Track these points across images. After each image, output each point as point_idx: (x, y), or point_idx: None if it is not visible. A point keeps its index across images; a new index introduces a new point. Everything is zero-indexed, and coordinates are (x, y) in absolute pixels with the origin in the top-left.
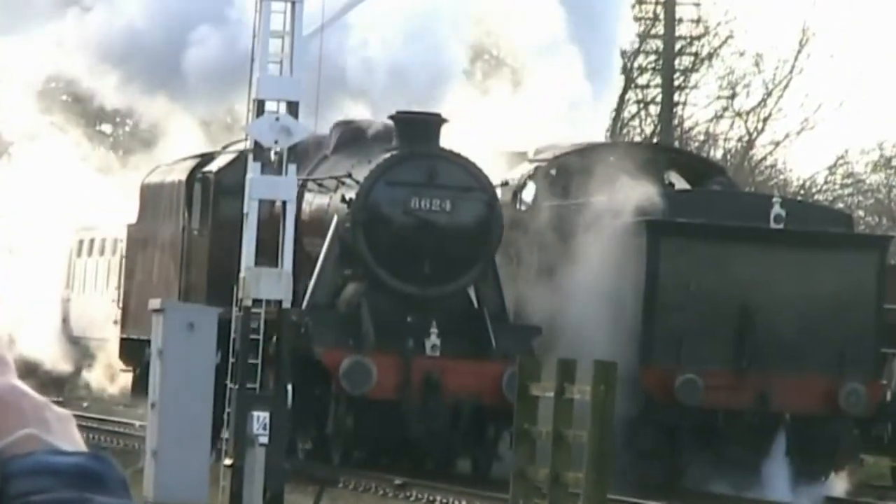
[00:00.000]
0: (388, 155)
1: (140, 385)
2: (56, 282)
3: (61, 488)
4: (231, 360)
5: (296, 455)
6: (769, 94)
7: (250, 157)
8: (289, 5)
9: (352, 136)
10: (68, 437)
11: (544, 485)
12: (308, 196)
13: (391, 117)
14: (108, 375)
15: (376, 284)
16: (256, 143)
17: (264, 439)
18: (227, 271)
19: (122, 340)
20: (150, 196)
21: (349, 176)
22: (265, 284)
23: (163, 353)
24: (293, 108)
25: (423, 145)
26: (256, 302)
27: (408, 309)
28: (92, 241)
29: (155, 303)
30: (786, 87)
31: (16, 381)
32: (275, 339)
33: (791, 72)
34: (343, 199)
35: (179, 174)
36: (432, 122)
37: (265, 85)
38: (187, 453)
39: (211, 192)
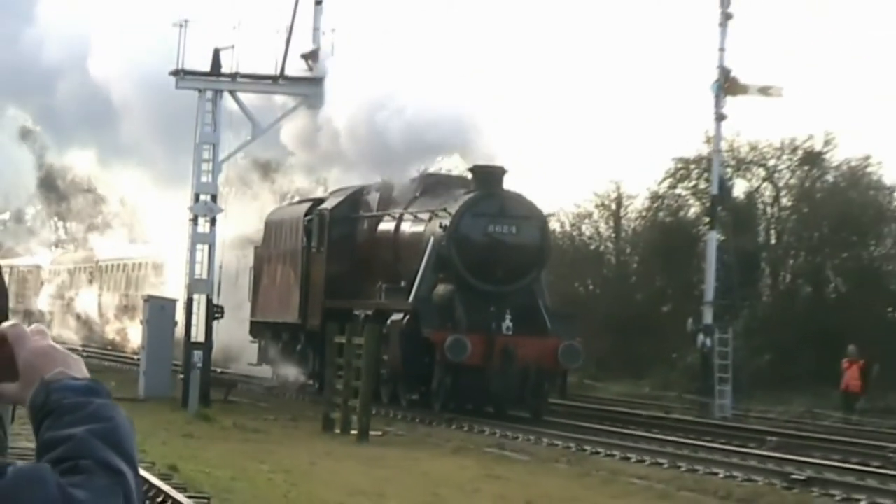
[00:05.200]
0: (471, 195)
1: (262, 352)
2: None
3: (75, 396)
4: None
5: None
6: None
7: (191, 223)
8: (212, 146)
9: (434, 183)
10: (80, 370)
11: (342, 388)
12: (405, 224)
13: (470, 169)
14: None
15: (464, 285)
16: (195, 216)
17: (199, 365)
18: (337, 273)
19: (252, 323)
20: (273, 227)
21: (444, 209)
22: (201, 286)
23: (147, 321)
24: (214, 198)
25: (493, 187)
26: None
27: (486, 301)
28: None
29: (144, 295)
30: None
31: (51, 342)
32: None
33: None
34: (440, 226)
35: (297, 212)
36: (499, 172)
37: (199, 186)
38: (160, 372)
39: (326, 222)
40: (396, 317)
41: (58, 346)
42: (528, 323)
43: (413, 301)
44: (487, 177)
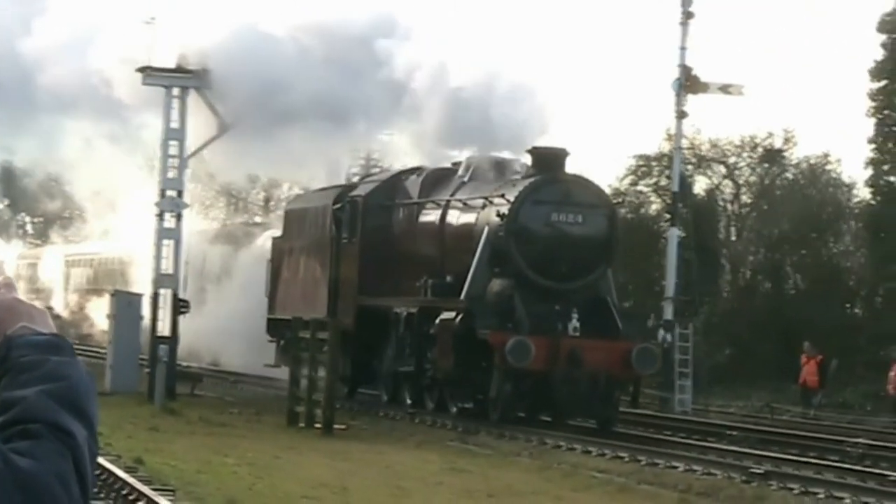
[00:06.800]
0: (532, 179)
1: (282, 351)
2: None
3: (35, 353)
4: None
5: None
6: None
7: (157, 218)
8: (178, 142)
9: (483, 166)
10: (45, 323)
11: (306, 380)
12: (452, 213)
13: (529, 151)
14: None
15: (524, 280)
16: (161, 211)
17: (165, 359)
18: (372, 267)
19: (269, 320)
20: (294, 217)
21: (501, 195)
22: (167, 281)
23: (115, 316)
24: (180, 193)
25: (555, 172)
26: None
27: (549, 299)
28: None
29: (110, 290)
30: None
31: (17, 295)
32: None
33: None
34: (498, 214)
35: (325, 200)
36: (561, 154)
37: (166, 182)
38: (126, 366)
39: (360, 210)
40: (447, 316)
41: (23, 300)
42: (596, 323)
43: (466, 298)
44: (549, 159)
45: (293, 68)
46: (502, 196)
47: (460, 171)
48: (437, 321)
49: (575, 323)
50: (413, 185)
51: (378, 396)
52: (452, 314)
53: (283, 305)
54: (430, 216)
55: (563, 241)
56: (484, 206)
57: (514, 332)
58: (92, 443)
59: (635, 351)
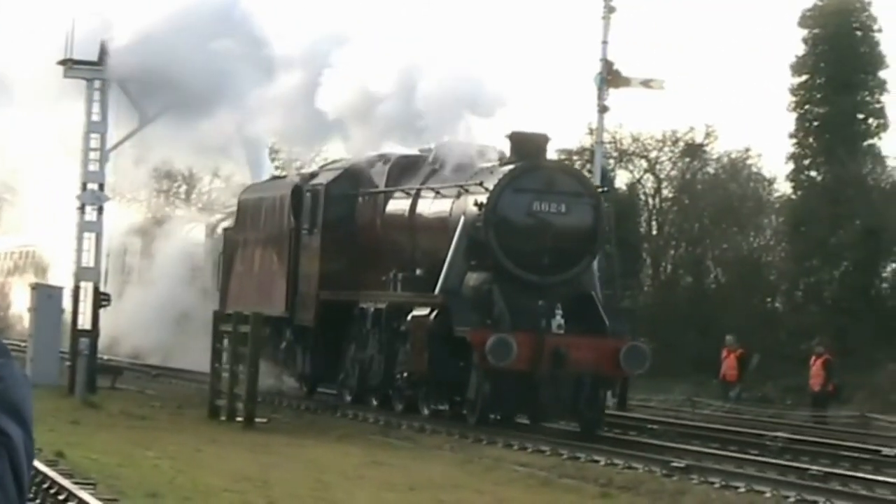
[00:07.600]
0: (512, 166)
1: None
2: None
3: None
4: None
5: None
6: None
7: (79, 211)
8: (100, 135)
9: (456, 153)
10: None
11: (227, 373)
12: (423, 202)
13: (507, 136)
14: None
15: (503, 273)
16: (83, 204)
17: (86, 352)
18: (335, 260)
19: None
20: (249, 207)
21: (479, 184)
22: (88, 274)
23: (36, 309)
24: (101, 186)
25: (536, 158)
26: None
27: (530, 294)
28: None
29: (32, 283)
30: None
31: None
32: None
33: None
34: (475, 203)
35: (282, 189)
36: (542, 139)
37: (88, 175)
38: (47, 359)
39: (321, 200)
40: (420, 312)
41: None
42: (580, 320)
43: (441, 293)
44: (528, 145)
45: (188, 51)
46: (480, 184)
47: (430, 159)
48: (410, 317)
49: (559, 319)
50: (379, 173)
51: (338, 396)
52: (426, 310)
53: (237, 300)
54: (399, 206)
55: (545, 232)
56: (459, 195)
57: (494, 330)
58: (28, 443)
59: (624, 349)
